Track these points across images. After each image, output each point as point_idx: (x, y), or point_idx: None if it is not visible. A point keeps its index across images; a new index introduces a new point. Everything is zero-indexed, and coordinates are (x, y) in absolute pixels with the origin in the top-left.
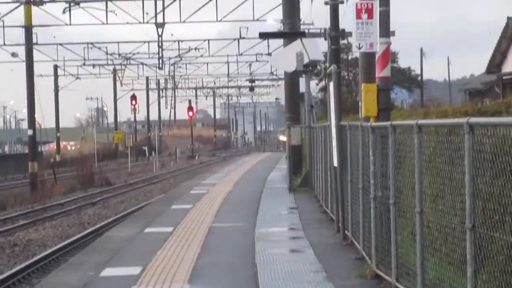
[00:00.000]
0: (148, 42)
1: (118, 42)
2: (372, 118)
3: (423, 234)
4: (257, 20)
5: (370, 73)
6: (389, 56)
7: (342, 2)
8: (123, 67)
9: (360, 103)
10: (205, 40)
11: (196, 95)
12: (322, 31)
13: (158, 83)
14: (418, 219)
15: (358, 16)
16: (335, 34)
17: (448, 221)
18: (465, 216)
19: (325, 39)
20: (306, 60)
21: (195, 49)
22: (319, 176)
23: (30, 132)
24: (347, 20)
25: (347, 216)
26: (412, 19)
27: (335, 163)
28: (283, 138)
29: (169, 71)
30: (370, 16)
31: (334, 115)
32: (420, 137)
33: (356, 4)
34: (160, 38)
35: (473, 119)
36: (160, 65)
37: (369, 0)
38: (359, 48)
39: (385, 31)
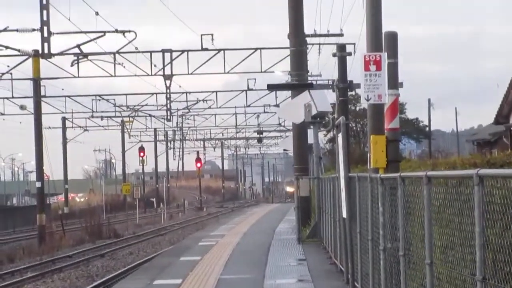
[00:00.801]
0: (156, 94)
1: (126, 94)
2: (381, 170)
3: (433, 286)
4: (265, 71)
5: (378, 124)
6: (398, 107)
7: (350, 54)
8: (131, 119)
9: (368, 154)
10: (213, 92)
11: (204, 147)
12: (330, 82)
13: (166, 135)
14: (428, 271)
15: (367, 68)
16: (343, 85)
17: (458, 272)
18: (476, 268)
19: (333, 90)
20: (314, 112)
21: (203, 100)
22: (328, 227)
23: (38, 184)
24: (355, 70)
25: (357, 268)
26: (420, 70)
27: (344, 214)
28: (290, 189)
29: (177, 123)
30: (379, 68)
31: (343, 166)
32: (430, 189)
33: (364, 56)
34: (168, 90)
35: (483, 171)
36: (168, 117)
37: (377, 52)
38: (368, 100)
39: (394, 82)
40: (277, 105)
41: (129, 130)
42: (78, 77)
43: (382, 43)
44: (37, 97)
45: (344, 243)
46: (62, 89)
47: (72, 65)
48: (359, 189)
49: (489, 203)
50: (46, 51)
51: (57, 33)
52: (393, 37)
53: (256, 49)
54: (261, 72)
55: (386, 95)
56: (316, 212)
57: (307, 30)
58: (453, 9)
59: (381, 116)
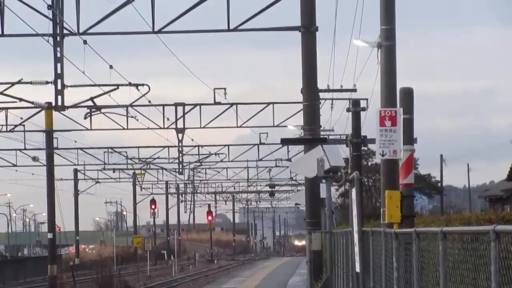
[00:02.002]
0: (168, 147)
1: (138, 147)
2: (396, 225)
3: None
4: (277, 126)
5: (392, 180)
6: (413, 163)
7: (364, 109)
8: (142, 171)
9: (382, 209)
10: (225, 146)
11: (215, 200)
12: (343, 137)
13: (177, 188)
14: None
15: (382, 123)
16: (357, 140)
17: None
18: None
19: (347, 145)
20: (327, 166)
21: (215, 154)
22: (340, 281)
23: (50, 235)
24: (367, 125)
25: None
26: (432, 126)
27: (357, 269)
28: (298, 243)
29: (188, 176)
30: (394, 123)
31: (356, 221)
32: (445, 244)
33: (380, 112)
34: (180, 143)
35: (500, 227)
36: (180, 170)
37: (392, 108)
38: (383, 155)
39: (409, 138)
40: (289, 159)
41: (140, 183)
42: (91, 129)
43: (397, 98)
44: (50, 149)
45: None
46: (75, 141)
47: (85, 117)
48: (373, 244)
49: (505, 259)
50: (59, 103)
51: (71, 86)
52: (408, 93)
53: (268, 103)
54: (274, 126)
55: (401, 150)
56: (328, 266)
57: (320, 85)
58: (465, 65)
59: (395, 171)
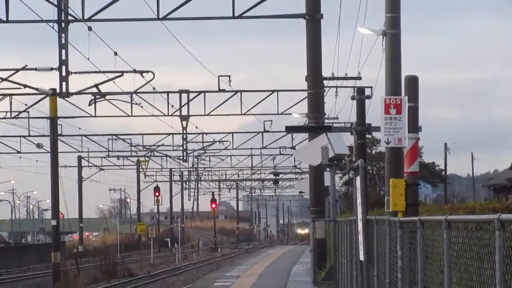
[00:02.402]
0: (172, 134)
1: (142, 134)
2: (400, 213)
3: None
4: (282, 113)
5: (397, 168)
6: (418, 151)
7: (369, 97)
8: (146, 159)
9: (386, 198)
10: (229, 133)
11: (219, 188)
12: (348, 125)
13: (181, 175)
14: None
15: (387, 111)
16: (362, 128)
17: None
18: None
19: (351, 133)
20: (331, 154)
21: (219, 141)
22: (344, 269)
23: (53, 222)
24: (372, 113)
25: None
26: (436, 115)
27: (361, 257)
28: (301, 231)
29: (192, 163)
30: (399, 111)
31: (360, 209)
32: (449, 233)
33: (385, 100)
34: (184, 131)
35: (504, 216)
36: (184, 157)
37: (397, 96)
38: (388, 143)
39: (414, 126)
40: (293, 147)
41: (144, 170)
42: (95, 116)
43: (401, 86)
44: (54, 136)
45: (361, 286)
46: (79, 128)
47: (89, 104)
48: (377, 232)
49: (509, 248)
50: (64, 90)
51: (75, 73)
52: (414, 81)
53: (273, 91)
54: (278, 114)
55: (406, 138)
56: (332, 255)
57: (325, 72)
58: (469, 56)
59: (400, 160)
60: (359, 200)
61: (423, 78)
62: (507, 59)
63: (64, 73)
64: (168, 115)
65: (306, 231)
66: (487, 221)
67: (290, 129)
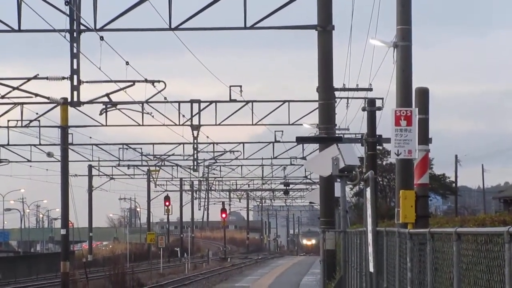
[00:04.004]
0: (183, 144)
1: (153, 144)
2: (410, 225)
3: None
4: (293, 124)
5: (407, 180)
6: (428, 163)
7: (380, 109)
8: (157, 168)
9: (396, 209)
10: (240, 143)
11: (229, 197)
12: (358, 136)
13: (192, 185)
14: None
15: (397, 123)
16: (372, 140)
17: None
18: None
19: (362, 144)
20: (342, 165)
21: (230, 151)
22: (354, 281)
23: (63, 231)
24: (383, 125)
25: None
26: (448, 127)
27: (371, 269)
28: (307, 242)
29: (203, 173)
30: (409, 123)
31: (370, 221)
32: (459, 245)
33: (395, 111)
34: (195, 140)
35: None
36: (195, 167)
37: (407, 108)
38: (398, 155)
39: (424, 138)
40: (304, 158)
41: (155, 179)
42: (106, 125)
43: (412, 98)
44: (64, 145)
45: None
46: (90, 137)
47: (100, 113)
48: (387, 244)
49: None
50: (75, 99)
51: (87, 82)
52: (424, 93)
53: (284, 101)
54: (289, 124)
55: (416, 150)
56: (341, 266)
57: (336, 83)
58: (482, 68)
59: (410, 171)
60: (369, 211)
61: (435, 89)
62: None
63: (75, 82)
64: (179, 125)
65: (313, 241)
66: (496, 234)
67: (300, 140)
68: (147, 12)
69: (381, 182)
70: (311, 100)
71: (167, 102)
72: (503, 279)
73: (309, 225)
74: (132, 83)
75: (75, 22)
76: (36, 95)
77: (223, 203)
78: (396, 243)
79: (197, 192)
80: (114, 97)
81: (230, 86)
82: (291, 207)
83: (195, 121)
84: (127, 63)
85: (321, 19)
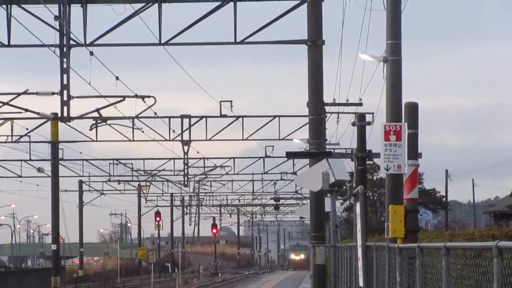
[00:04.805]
0: (174, 159)
1: (143, 159)
2: (399, 240)
3: None
4: (283, 139)
5: (397, 194)
6: (417, 178)
7: (370, 124)
8: (148, 183)
9: (386, 224)
10: (230, 158)
11: (220, 213)
12: (348, 151)
13: (182, 200)
14: None
15: (387, 138)
16: (362, 155)
17: None
18: None
19: (352, 159)
20: (332, 180)
21: (220, 166)
22: None
23: (54, 246)
24: (373, 140)
25: None
26: (438, 141)
27: (361, 283)
28: (295, 257)
29: (193, 188)
30: (399, 138)
31: (360, 235)
32: (448, 260)
33: (385, 126)
34: (185, 156)
35: (502, 243)
36: (185, 182)
37: (397, 122)
38: (387, 170)
39: (413, 153)
40: (294, 173)
41: (145, 195)
42: (96, 141)
43: (402, 113)
44: (55, 160)
45: None
46: (80, 153)
47: (91, 129)
48: (376, 258)
49: (508, 276)
50: (65, 114)
51: (77, 97)
52: (413, 108)
53: (274, 116)
54: (279, 139)
55: (406, 165)
56: (332, 280)
57: (326, 98)
58: (472, 81)
59: (400, 186)
60: (358, 226)
61: (425, 104)
62: (510, 84)
63: (65, 98)
64: (169, 140)
65: (302, 256)
66: (485, 248)
67: (291, 155)
68: (137, 27)
69: (371, 197)
70: (302, 115)
71: (157, 117)
72: None
73: (298, 238)
74: (122, 98)
75: (65, 37)
76: (26, 110)
77: (213, 218)
78: (385, 257)
79: (188, 207)
80: (104, 112)
81: (221, 101)
82: (281, 222)
83: (186, 136)
84: (117, 78)
85: (311, 33)
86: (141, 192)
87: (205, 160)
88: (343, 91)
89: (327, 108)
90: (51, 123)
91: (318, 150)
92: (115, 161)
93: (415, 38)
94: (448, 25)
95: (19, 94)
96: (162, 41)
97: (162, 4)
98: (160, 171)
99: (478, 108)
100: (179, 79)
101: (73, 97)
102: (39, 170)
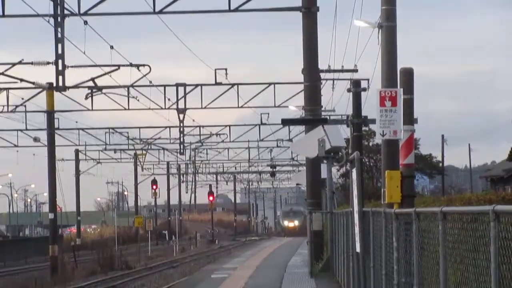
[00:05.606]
0: (169, 127)
1: (139, 128)
2: (396, 205)
3: None
4: (278, 106)
5: (393, 160)
6: (413, 143)
7: (365, 90)
8: (144, 152)
9: (382, 190)
10: (226, 126)
11: (216, 180)
12: (344, 117)
13: (178, 168)
14: None
15: (382, 103)
16: (358, 121)
17: None
18: None
19: (348, 126)
20: (328, 147)
21: (216, 134)
22: (341, 261)
23: (51, 215)
24: (368, 106)
25: None
26: (435, 108)
27: (358, 249)
28: (288, 224)
29: (190, 156)
30: (394, 103)
31: (356, 201)
32: (445, 224)
33: (380, 92)
34: (181, 124)
35: (499, 207)
36: (181, 150)
37: (392, 88)
38: (383, 135)
39: (409, 118)
40: (290, 140)
41: (142, 163)
42: (92, 110)
43: (397, 79)
44: (51, 130)
45: (358, 277)
46: (76, 122)
47: (86, 98)
48: (373, 224)
49: (505, 239)
50: (60, 84)
51: (72, 66)
52: (409, 73)
53: (269, 84)
54: (275, 106)
55: (402, 131)
56: (329, 246)
57: (321, 65)
58: (468, 48)
59: (396, 152)
60: (355, 192)
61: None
62: (506, 51)
63: (60, 67)
64: (165, 108)
65: (296, 223)
66: (482, 212)
67: (286, 122)
68: None
69: (367, 163)
70: (297, 82)
71: (153, 86)
72: (488, 257)
73: (292, 204)
74: (117, 67)
75: (59, 6)
76: (22, 80)
77: (210, 186)
78: (382, 223)
79: (184, 175)
80: (100, 82)
81: (216, 69)
82: (278, 189)
83: (181, 105)
84: (111, 47)
85: (306, 0)
86: (137, 161)
87: (201, 128)
88: (338, 58)
89: (322, 75)
90: (47, 93)
91: (313, 117)
92: (111, 130)
93: (412, 8)
94: None
95: (14, 64)
96: (156, 10)
97: None
98: (156, 139)
99: (476, 74)
100: (174, 48)
101: (68, 67)
102: (35, 139)
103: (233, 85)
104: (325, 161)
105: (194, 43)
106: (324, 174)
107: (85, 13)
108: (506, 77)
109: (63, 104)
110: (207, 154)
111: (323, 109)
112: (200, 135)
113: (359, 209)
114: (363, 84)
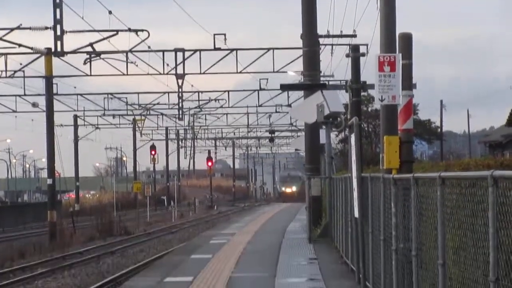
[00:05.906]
0: (168, 92)
1: (138, 93)
2: (394, 170)
3: (445, 287)
4: (277, 71)
5: (392, 125)
6: (412, 109)
7: (364, 55)
8: (142, 117)
9: (381, 155)
10: (224, 91)
11: (215, 146)
12: (343, 83)
13: (177, 134)
14: (441, 271)
15: (381, 69)
16: (357, 86)
17: (470, 273)
18: (488, 269)
19: (346, 91)
20: (326, 112)
21: (215, 100)
22: (339, 227)
23: (49, 181)
24: (367, 71)
25: (368, 268)
26: (433, 73)
27: (356, 214)
28: (285, 189)
29: (188, 122)
30: (393, 69)
31: (355, 166)
32: (443, 190)
33: (379, 57)
34: (180, 89)
35: (497, 172)
36: (180, 116)
37: (391, 53)
38: (382, 100)
39: (408, 84)
40: (289, 105)
41: (140, 129)
42: (91, 75)
43: (396, 44)
44: (49, 95)
45: (356, 243)
46: (75, 87)
47: (84, 63)
48: (372, 189)
49: (503, 204)
50: (59, 49)
51: (70, 32)
52: (407, 38)
53: (268, 49)
54: (274, 72)
55: (400, 96)
56: (327, 212)
57: (320, 30)
58: (468, 13)
59: (395, 117)
60: (353, 158)
61: (420, 36)
62: (506, 16)
63: (58, 32)
64: (163, 74)
65: (294, 188)
66: (480, 178)
67: (285, 87)
68: None
69: (366, 128)
70: (296, 47)
71: (151, 51)
72: (486, 222)
73: (290, 168)
74: (115, 32)
75: None
76: (20, 45)
77: (209, 151)
78: (380, 188)
79: (183, 140)
80: (98, 47)
81: (214, 35)
82: (277, 154)
83: (180, 70)
84: (110, 12)
85: None
86: (136, 126)
87: (200, 93)
88: (337, 23)
89: (321, 40)
90: (45, 58)
91: (312, 82)
92: (109, 95)
93: None
94: None
95: (12, 29)
96: None
97: None
98: (154, 105)
99: (474, 39)
100: (172, 13)
101: (67, 32)
102: (34, 105)
103: (232, 50)
104: (323, 127)
105: (192, 7)
106: (323, 140)
107: None
108: (506, 42)
109: (62, 69)
110: (205, 119)
111: (322, 74)
112: (199, 100)
113: (358, 174)
114: (362, 49)
